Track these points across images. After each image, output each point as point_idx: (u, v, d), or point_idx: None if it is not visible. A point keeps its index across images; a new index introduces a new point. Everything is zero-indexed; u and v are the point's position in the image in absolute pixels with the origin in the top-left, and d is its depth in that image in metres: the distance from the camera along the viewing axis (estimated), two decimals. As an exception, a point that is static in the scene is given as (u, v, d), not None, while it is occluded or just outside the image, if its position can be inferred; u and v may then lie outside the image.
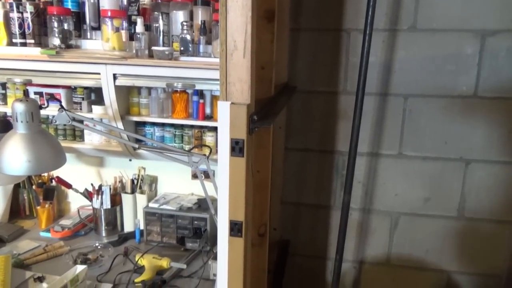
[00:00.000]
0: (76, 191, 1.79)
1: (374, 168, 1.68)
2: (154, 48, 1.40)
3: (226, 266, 0.93)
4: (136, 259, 1.56)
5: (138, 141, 1.60)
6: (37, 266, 1.55)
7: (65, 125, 1.68)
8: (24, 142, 1.22)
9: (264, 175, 1.23)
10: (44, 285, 1.42)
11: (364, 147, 1.65)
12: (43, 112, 1.29)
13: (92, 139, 1.69)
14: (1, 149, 1.23)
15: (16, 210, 1.94)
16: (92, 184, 1.81)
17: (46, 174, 1.91)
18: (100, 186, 1.77)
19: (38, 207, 1.83)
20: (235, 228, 0.90)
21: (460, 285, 1.72)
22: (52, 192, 1.86)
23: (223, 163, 0.87)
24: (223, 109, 0.84)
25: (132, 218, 1.81)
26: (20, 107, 1.21)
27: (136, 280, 1.44)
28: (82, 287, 1.38)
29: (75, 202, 1.94)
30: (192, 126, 1.60)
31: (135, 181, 1.83)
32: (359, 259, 1.79)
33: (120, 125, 1.53)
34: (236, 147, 0.85)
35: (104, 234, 1.80)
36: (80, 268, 1.39)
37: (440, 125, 1.58)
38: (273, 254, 1.74)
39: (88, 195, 1.80)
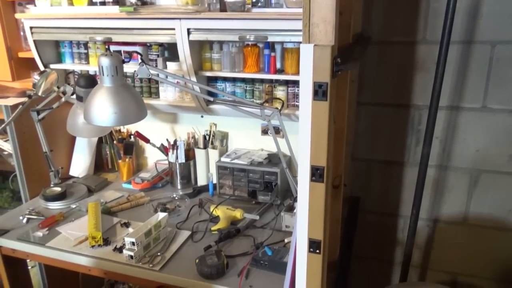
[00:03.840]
0: (153, 145, 1.89)
1: (454, 123, 1.59)
2: (227, 0, 1.39)
3: (307, 212, 0.94)
4: (211, 210, 1.63)
5: (211, 96, 1.63)
6: (122, 213, 1.68)
7: (141, 82, 1.75)
8: (110, 95, 1.30)
9: (340, 126, 1.21)
10: (130, 229, 1.54)
11: (443, 101, 1.56)
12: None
13: (167, 96, 1.75)
14: (90, 102, 1.32)
15: (100, 164, 2.10)
16: (167, 140, 1.89)
17: (125, 131, 2.03)
18: (175, 141, 1.85)
19: (119, 161, 1.96)
20: (316, 174, 0.90)
21: (546, 248, 1.62)
22: (131, 147, 1.98)
23: (305, 108, 0.86)
24: (306, 52, 0.83)
25: (205, 172, 1.89)
26: (105, 61, 1.27)
27: (212, 228, 1.52)
28: (163, 232, 1.47)
29: (152, 157, 2.05)
30: (262, 81, 1.61)
31: (207, 137, 1.88)
32: (433, 217, 1.74)
33: (193, 80, 1.57)
34: (319, 91, 0.84)
35: (179, 187, 1.89)
36: (161, 215, 1.48)
37: (532, 75, 1.45)
38: (344, 210, 1.74)
39: (164, 150, 1.89)
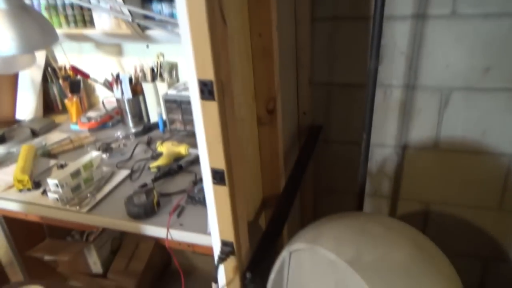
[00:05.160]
0: (96, 81, 1.74)
1: (420, 34, 1.38)
2: None
3: (203, 135, 0.80)
4: (157, 146, 1.51)
5: (147, 20, 1.45)
6: (63, 156, 1.57)
7: (73, 10, 1.56)
8: (6, 18, 1.12)
9: (267, 39, 1.03)
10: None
11: (407, 8, 1.35)
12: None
13: (103, 24, 1.56)
14: (-13, 29, 1.15)
15: (50, 105, 1.96)
16: (112, 74, 1.73)
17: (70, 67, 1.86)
18: (117, 75, 1.69)
19: (66, 101, 1.82)
20: (205, 90, 0.74)
21: (525, 170, 1.47)
22: (78, 85, 1.83)
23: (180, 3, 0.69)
24: None
25: (156, 108, 1.74)
26: (-9, -23, 1.09)
27: (151, 166, 1.40)
28: (98, 173, 1.36)
29: (104, 95, 1.90)
30: (200, -2, 1.40)
31: (155, 69, 1.72)
32: (402, 144, 1.58)
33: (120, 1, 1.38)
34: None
35: (131, 125, 1.77)
36: (94, 154, 1.36)
37: (510, -32, 1.21)
38: (301, 140, 1.59)
39: (109, 85, 1.74)
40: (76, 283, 2.15)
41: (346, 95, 1.57)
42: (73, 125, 1.79)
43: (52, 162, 1.50)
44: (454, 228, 1.65)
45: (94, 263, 1.97)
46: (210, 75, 0.72)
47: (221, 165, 0.80)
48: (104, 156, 1.50)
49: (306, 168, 1.38)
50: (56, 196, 1.24)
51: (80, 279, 2.12)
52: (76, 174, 1.28)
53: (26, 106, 1.86)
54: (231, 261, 0.92)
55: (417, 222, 1.70)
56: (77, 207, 1.23)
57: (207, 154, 0.81)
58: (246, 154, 1.05)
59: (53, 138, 1.70)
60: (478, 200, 1.57)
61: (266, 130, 1.14)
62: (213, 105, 0.75)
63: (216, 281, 0.87)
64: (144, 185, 1.31)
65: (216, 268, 0.88)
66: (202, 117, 0.77)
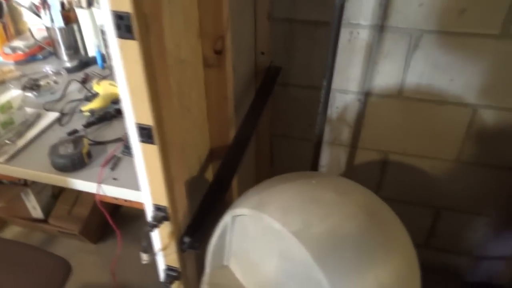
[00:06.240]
0: (18, 4, 1.48)
1: (395, -33, 1.22)
2: None
3: (125, 86, 0.64)
4: (92, 86, 1.32)
5: None
6: (-18, 93, 1.35)
7: None
8: None
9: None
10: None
11: None
12: None
13: None
14: None
15: (-31, 32, 1.68)
16: (39, -3, 1.47)
17: (-13, -14, 1.57)
18: (45, -2, 1.44)
19: (-15, 27, 1.56)
20: (121, 25, 0.57)
21: (486, 121, 1.41)
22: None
23: None
24: None
25: (94, 40, 1.52)
26: None
27: (83, 109, 1.22)
28: (19, 115, 1.17)
29: (33, 22, 1.64)
30: None
31: (91, -7, 1.47)
32: (365, 90, 1.47)
33: None
34: None
35: (66, 59, 1.54)
36: (15, 93, 1.17)
37: None
38: (258, 83, 1.45)
39: (36, 9, 1.48)
40: (16, 228, 2.02)
41: (309, 34, 1.41)
42: (-4, 56, 1.55)
43: (-33, 100, 1.28)
44: (411, 178, 1.62)
45: (34, 207, 1.83)
46: (126, 5, 0.55)
47: (148, 120, 0.66)
48: (30, 94, 1.31)
49: (261, 115, 1.25)
50: (-34, 143, 1.06)
51: (20, 224, 1.99)
52: (-10, 117, 1.09)
53: None
54: (166, 226, 0.81)
55: (375, 172, 1.65)
56: (-7, 156, 1.06)
57: (131, 107, 0.66)
58: (188, 102, 0.91)
59: (-29, 71, 1.46)
60: (437, 151, 1.52)
61: (213, 73, 0.99)
62: (133, 45, 0.58)
63: (146, 251, 0.77)
64: (74, 132, 1.14)
65: (147, 236, 0.77)
66: (121, 61, 0.61)
